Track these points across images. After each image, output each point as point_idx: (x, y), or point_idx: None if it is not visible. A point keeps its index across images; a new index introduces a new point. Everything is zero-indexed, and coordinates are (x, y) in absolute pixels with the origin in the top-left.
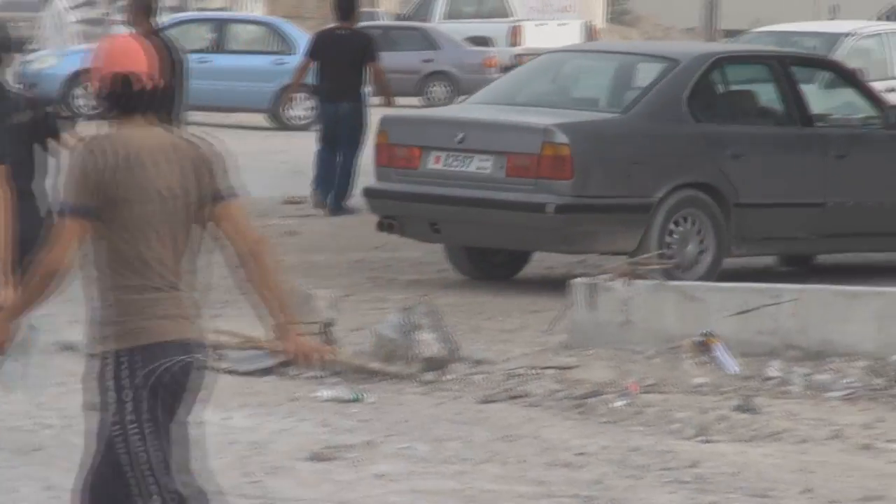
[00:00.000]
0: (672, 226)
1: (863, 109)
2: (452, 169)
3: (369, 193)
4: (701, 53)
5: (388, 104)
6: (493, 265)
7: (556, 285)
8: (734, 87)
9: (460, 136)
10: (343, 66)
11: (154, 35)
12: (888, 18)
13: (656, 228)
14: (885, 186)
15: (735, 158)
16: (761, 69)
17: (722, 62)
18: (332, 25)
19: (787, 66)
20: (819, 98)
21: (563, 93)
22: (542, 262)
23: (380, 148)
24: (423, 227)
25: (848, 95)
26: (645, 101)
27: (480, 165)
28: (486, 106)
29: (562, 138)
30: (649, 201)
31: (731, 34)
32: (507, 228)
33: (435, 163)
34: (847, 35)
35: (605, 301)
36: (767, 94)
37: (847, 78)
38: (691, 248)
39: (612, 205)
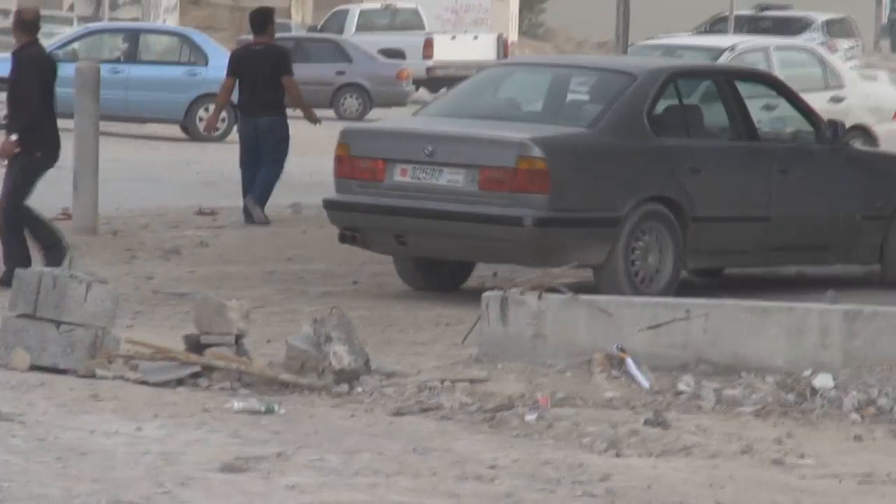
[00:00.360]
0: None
1: (800, 123)
2: (420, 182)
3: (330, 205)
4: (655, 68)
5: (310, 119)
6: (439, 276)
7: (468, 298)
8: (687, 102)
9: (429, 148)
10: (260, 80)
11: (32, 46)
12: (710, 30)
13: (623, 242)
14: (824, 200)
15: (692, 173)
16: (709, 84)
17: (674, 77)
18: (247, 41)
19: (732, 81)
20: (760, 113)
21: (523, 106)
22: None
23: (341, 160)
24: (388, 240)
25: (785, 110)
26: (609, 116)
27: (451, 178)
28: (450, 119)
29: (538, 152)
30: (618, 215)
31: None
32: (480, 242)
33: (401, 175)
34: (728, 49)
35: (517, 314)
36: (717, 109)
37: (783, 92)
38: (652, 262)
39: (584, 218)
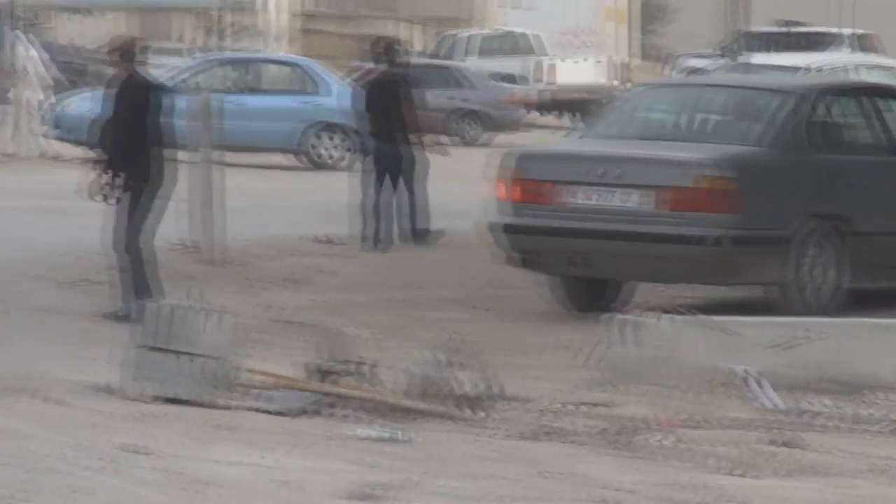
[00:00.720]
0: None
1: None
2: (598, 203)
3: (502, 228)
4: (807, 86)
5: (429, 147)
6: (596, 297)
7: (590, 321)
8: (838, 119)
9: (607, 170)
10: (383, 107)
11: (134, 75)
12: (733, 49)
13: (793, 258)
14: None
15: (850, 188)
16: (853, 100)
17: (824, 94)
18: (361, 67)
19: (873, 96)
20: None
21: (687, 126)
22: None
23: (514, 183)
24: (563, 262)
25: None
26: (776, 134)
27: (630, 199)
28: (619, 140)
29: (723, 172)
30: (791, 232)
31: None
32: (660, 262)
33: (578, 198)
34: (808, 68)
35: (640, 336)
36: (864, 125)
37: None
38: (818, 277)
39: (763, 236)
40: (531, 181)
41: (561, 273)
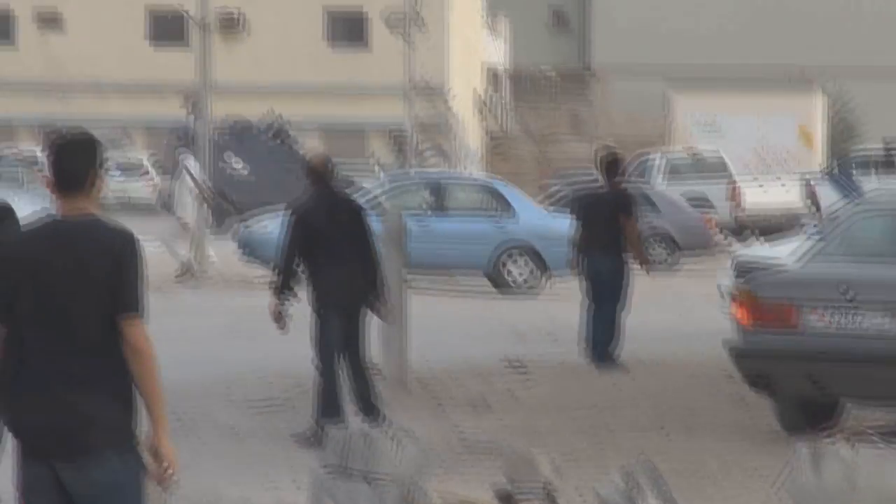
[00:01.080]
0: None
1: None
2: (839, 325)
3: (739, 353)
4: None
5: (642, 264)
6: (816, 417)
7: (780, 443)
8: None
9: (846, 291)
10: (600, 221)
11: (331, 194)
12: (842, 171)
13: None
14: None
15: None
16: None
17: None
18: (594, 183)
19: None
20: None
21: None
22: (752, 420)
23: (748, 306)
24: (804, 385)
25: None
26: None
27: (873, 320)
28: (854, 260)
29: None
30: None
31: None
32: None
33: (817, 319)
34: None
35: (830, 464)
36: None
37: None
38: None
39: None
40: (764, 304)
41: (790, 395)
